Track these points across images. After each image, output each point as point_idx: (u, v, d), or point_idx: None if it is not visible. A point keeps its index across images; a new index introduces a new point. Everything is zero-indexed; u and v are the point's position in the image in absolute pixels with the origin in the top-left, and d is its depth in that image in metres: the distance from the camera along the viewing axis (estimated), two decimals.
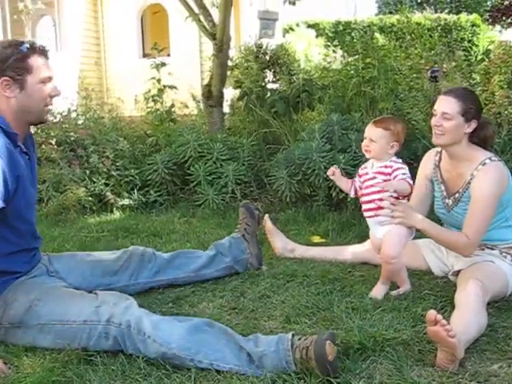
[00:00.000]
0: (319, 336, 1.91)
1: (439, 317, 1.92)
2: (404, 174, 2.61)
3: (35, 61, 2.23)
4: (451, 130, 2.59)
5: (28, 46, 2.23)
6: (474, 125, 2.61)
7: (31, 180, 2.33)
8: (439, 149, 2.81)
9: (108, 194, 4.55)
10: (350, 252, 3.12)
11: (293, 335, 2.00)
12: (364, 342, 2.08)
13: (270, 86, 6.00)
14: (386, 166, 2.65)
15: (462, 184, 2.65)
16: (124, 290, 2.46)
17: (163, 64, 6.31)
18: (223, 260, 2.93)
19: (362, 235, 3.33)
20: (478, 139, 2.67)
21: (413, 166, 4.41)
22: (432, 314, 1.93)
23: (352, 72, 5.25)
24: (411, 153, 4.38)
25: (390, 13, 19.82)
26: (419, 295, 2.59)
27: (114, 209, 4.53)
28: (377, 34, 11.05)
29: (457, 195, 2.68)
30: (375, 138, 2.67)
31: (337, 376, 1.87)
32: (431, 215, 2.83)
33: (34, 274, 2.34)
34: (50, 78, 2.28)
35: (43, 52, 2.29)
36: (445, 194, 2.76)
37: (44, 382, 1.89)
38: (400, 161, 2.69)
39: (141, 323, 2.05)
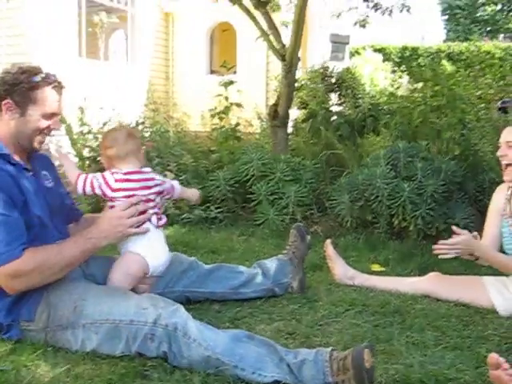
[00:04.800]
0: (357, 346, 1.94)
1: (501, 360, 1.85)
2: None
3: (43, 94, 2.29)
4: None
5: (42, 76, 2.29)
6: None
7: (37, 192, 2.34)
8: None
9: (170, 207, 4.62)
10: (412, 283, 3.06)
11: (332, 349, 2.01)
12: (425, 380, 2.02)
13: (334, 108, 6.00)
14: None
15: None
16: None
17: (231, 82, 6.38)
18: (264, 282, 2.91)
19: (423, 266, 3.26)
20: None
21: (478, 198, 4.33)
22: (494, 357, 1.87)
23: (419, 99, 5.19)
24: (477, 185, 4.29)
25: (459, 40, 19.56)
26: (483, 335, 2.50)
27: (174, 223, 4.59)
28: (444, 62, 10.92)
29: None
30: None
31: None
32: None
33: (72, 276, 2.35)
34: (53, 115, 2.33)
35: (56, 87, 2.33)
36: None
37: None
38: None
39: (187, 326, 2.07)
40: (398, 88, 6.33)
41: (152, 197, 2.40)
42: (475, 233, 2.70)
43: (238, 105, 6.32)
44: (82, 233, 2.33)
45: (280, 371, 1.98)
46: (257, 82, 9.60)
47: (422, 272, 3.15)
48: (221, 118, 6.25)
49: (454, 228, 2.70)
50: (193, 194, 2.68)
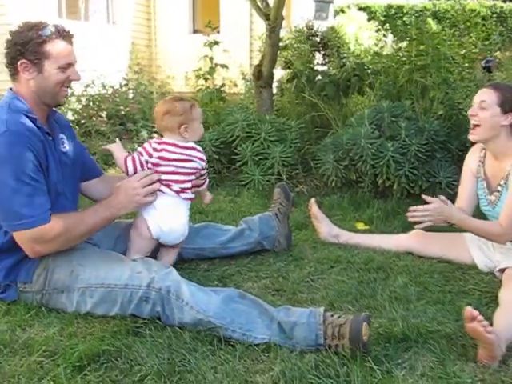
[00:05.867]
0: (356, 317, 1.97)
1: (476, 313, 1.92)
2: None
3: (55, 46, 2.25)
4: (487, 119, 2.58)
5: (51, 30, 2.25)
6: (511, 118, 2.59)
7: (55, 159, 2.35)
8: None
9: None
10: (395, 241, 3.12)
11: (325, 310, 2.06)
12: (407, 333, 2.10)
13: (319, 68, 5.97)
14: None
15: (503, 176, 2.62)
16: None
17: (216, 42, 6.32)
18: (251, 235, 2.99)
19: (406, 224, 3.31)
20: None
21: (461, 157, 4.38)
22: (469, 310, 1.94)
23: (404, 58, 5.18)
24: (460, 144, 4.33)
25: None
26: (464, 289, 2.59)
27: None
28: (429, 20, 10.84)
29: (499, 188, 2.66)
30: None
31: (379, 364, 1.90)
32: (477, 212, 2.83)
33: None
34: (69, 65, 2.30)
35: (66, 37, 2.30)
36: (486, 190, 2.75)
37: (94, 350, 1.96)
38: None
39: (180, 290, 2.13)
40: (382, 47, 6.30)
41: (186, 170, 2.44)
42: (442, 197, 2.70)
43: (224, 66, 6.27)
44: (101, 202, 2.38)
45: (270, 332, 2.03)
46: (241, 41, 9.52)
47: (406, 230, 3.21)
48: (205, 79, 6.21)
49: (424, 196, 2.72)
50: (209, 196, 2.75)
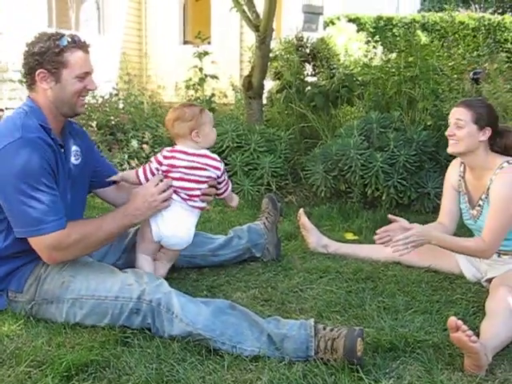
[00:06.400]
0: (350, 332, 1.96)
1: (459, 323, 1.94)
2: None
3: (73, 56, 2.27)
4: (464, 138, 2.62)
5: (68, 40, 2.27)
6: (488, 133, 2.63)
7: (64, 172, 2.36)
8: None
9: None
10: (384, 251, 3.12)
11: (315, 322, 2.07)
12: (395, 342, 2.11)
13: (308, 79, 6.01)
14: None
15: (484, 191, 2.65)
16: None
17: (206, 53, 6.35)
18: (240, 242, 3.02)
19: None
20: (500, 148, 2.69)
21: None
22: (453, 320, 1.95)
23: (393, 70, 5.23)
24: (449, 155, 4.34)
25: (434, 10, 19.56)
26: (451, 299, 2.61)
27: None
28: (419, 32, 10.94)
29: (480, 202, 2.69)
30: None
31: (367, 373, 1.91)
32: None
33: None
34: (86, 74, 2.32)
35: (83, 47, 2.32)
36: (468, 205, 2.78)
37: (83, 360, 1.95)
38: None
39: (170, 302, 2.12)
40: (371, 59, 6.35)
41: (194, 178, 2.45)
42: (403, 221, 2.69)
43: (213, 76, 6.30)
44: (119, 209, 2.40)
45: (260, 345, 2.03)
46: (231, 52, 9.56)
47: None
48: (195, 90, 6.23)
49: (391, 216, 2.72)
50: (235, 200, 2.76)
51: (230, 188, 2.65)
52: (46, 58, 2.23)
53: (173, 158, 2.42)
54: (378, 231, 2.76)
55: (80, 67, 2.29)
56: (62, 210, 2.21)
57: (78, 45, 2.30)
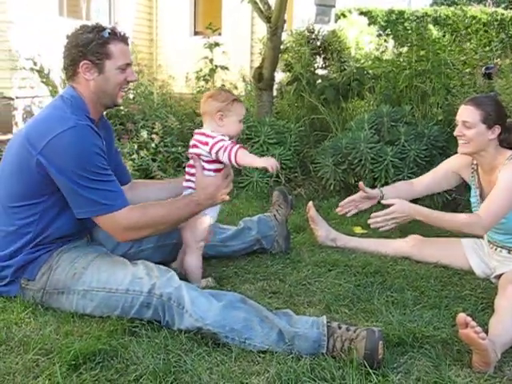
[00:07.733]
0: (370, 333, 1.93)
1: (468, 319, 1.93)
2: None
3: (115, 47, 2.31)
4: (474, 138, 2.61)
5: (109, 31, 2.31)
6: (497, 130, 2.61)
7: None
8: None
9: (155, 169, 4.64)
10: (393, 246, 3.13)
11: (329, 320, 2.05)
12: (403, 337, 2.10)
13: (319, 71, 5.99)
14: None
15: (494, 185, 2.64)
16: (152, 253, 2.61)
17: (217, 44, 6.32)
18: (250, 233, 3.02)
19: (404, 229, 3.32)
20: (509, 144, 2.68)
21: None
22: (462, 316, 1.94)
23: (404, 64, 5.20)
24: None
25: (446, 3, 19.44)
26: (460, 295, 2.59)
27: None
28: (430, 26, 10.87)
29: None
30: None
31: (375, 368, 1.90)
32: None
33: (75, 244, 2.40)
34: (127, 65, 2.36)
35: (123, 39, 2.36)
36: (479, 198, 2.76)
37: (91, 349, 1.95)
38: None
39: (181, 296, 2.12)
40: (383, 52, 6.32)
41: (191, 156, 2.51)
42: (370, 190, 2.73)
43: (224, 67, 6.28)
44: (191, 197, 2.44)
45: (269, 342, 2.01)
46: (242, 44, 9.52)
47: (403, 234, 3.22)
48: (206, 81, 6.21)
49: (361, 184, 2.79)
50: (268, 162, 2.44)
51: (243, 152, 2.43)
52: (90, 49, 2.27)
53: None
54: (341, 203, 2.76)
55: (122, 58, 2.33)
56: (122, 190, 2.29)
57: (120, 37, 2.34)
